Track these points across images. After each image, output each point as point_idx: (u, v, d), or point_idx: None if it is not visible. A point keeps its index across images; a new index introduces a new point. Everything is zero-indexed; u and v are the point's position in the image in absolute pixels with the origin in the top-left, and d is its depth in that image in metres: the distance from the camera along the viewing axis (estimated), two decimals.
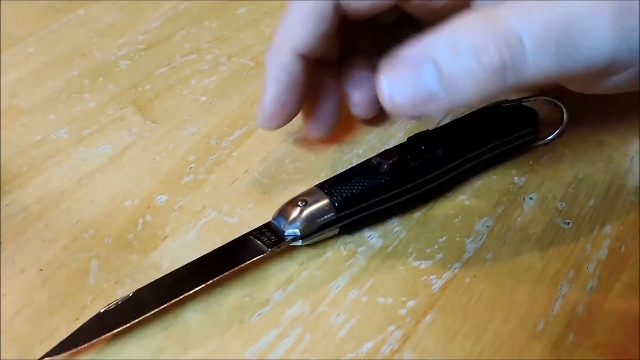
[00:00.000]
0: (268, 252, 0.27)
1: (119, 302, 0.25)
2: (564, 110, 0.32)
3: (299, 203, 0.27)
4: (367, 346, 0.25)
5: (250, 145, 0.33)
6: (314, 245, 0.28)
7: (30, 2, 0.42)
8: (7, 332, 0.26)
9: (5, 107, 0.35)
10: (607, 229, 0.29)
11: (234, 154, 0.33)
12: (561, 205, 0.30)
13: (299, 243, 0.27)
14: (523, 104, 0.32)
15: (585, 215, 0.29)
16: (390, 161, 0.28)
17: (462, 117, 0.32)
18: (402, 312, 0.26)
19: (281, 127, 0.30)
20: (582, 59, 0.21)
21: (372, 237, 0.29)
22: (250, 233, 0.28)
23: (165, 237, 0.29)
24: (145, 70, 0.37)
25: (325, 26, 0.27)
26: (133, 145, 0.33)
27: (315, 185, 0.28)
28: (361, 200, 0.28)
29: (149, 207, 0.30)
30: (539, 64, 0.21)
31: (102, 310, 0.25)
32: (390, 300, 0.26)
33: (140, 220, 0.29)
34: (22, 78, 0.37)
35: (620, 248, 0.28)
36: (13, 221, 0.30)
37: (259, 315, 0.26)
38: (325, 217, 0.27)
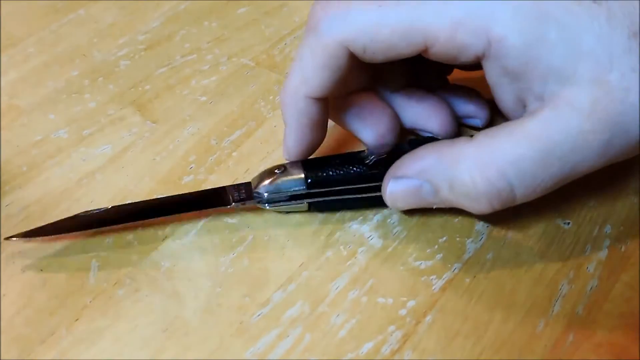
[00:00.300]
0: (232, 206, 0.28)
1: (95, 211, 0.28)
2: None
3: (277, 171, 0.28)
4: (367, 346, 0.25)
5: (250, 145, 0.33)
6: (313, 245, 0.28)
7: (30, 2, 0.42)
8: (7, 332, 0.26)
9: (5, 107, 0.35)
10: (607, 229, 0.29)
11: (234, 154, 0.33)
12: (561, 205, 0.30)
13: (266, 207, 0.28)
14: None
15: (585, 215, 0.29)
16: (378, 155, 0.28)
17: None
18: (402, 312, 0.26)
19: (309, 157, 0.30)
20: (570, 178, 0.24)
21: (372, 237, 0.29)
22: (228, 186, 0.29)
23: (165, 238, 0.29)
24: (145, 70, 0.37)
25: (339, 73, 0.26)
26: (133, 145, 0.33)
27: (301, 161, 0.29)
28: (334, 184, 0.28)
29: None
30: (526, 199, 0.25)
31: (78, 214, 0.28)
32: (390, 301, 0.26)
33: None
34: (22, 78, 0.37)
35: (620, 248, 0.28)
36: (13, 221, 0.30)
37: (259, 315, 0.26)
38: (295, 189, 0.28)
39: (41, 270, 0.27)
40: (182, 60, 0.38)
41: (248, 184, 0.29)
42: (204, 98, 0.36)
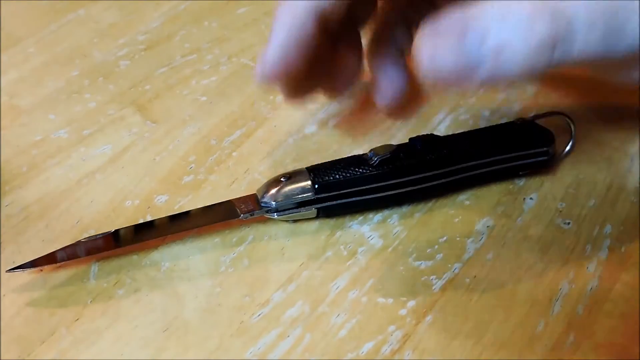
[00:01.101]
0: (241, 218, 0.28)
1: (98, 236, 0.28)
2: (572, 124, 0.31)
3: (282, 179, 0.28)
4: (368, 346, 0.25)
5: (250, 145, 0.33)
6: (313, 244, 0.28)
7: (30, 2, 0.42)
8: (7, 332, 0.26)
9: (5, 107, 0.35)
10: (607, 229, 0.29)
11: (234, 154, 0.33)
12: (561, 205, 0.30)
13: (275, 216, 0.28)
14: (536, 122, 0.31)
15: (585, 215, 0.29)
16: (382, 156, 0.28)
17: (472, 130, 0.31)
18: (403, 312, 0.26)
19: (278, 82, 0.27)
20: (625, 41, 0.21)
21: (372, 237, 0.29)
22: (233, 199, 0.29)
23: (165, 237, 0.29)
24: (145, 70, 0.37)
25: None
26: (133, 145, 0.33)
27: (306, 167, 0.29)
28: (342, 187, 0.28)
29: (149, 207, 0.30)
30: (586, 42, 0.21)
31: (81, 239, 0.27)
32: (390, 301, 0.26)
33: (141, 221, 0.29)
34: (22, 78, 0.37)
35: (620, 248, 0.28)
36: (13, 221, 0.30)
37: (259, 315, 0.26)
38: (303, 195, 0.28)
39: (41, 270, 0.27)
40: (182, 60, 0.38)
41: (253, 195, 0.29)
42: (204, 98, 0.36)
